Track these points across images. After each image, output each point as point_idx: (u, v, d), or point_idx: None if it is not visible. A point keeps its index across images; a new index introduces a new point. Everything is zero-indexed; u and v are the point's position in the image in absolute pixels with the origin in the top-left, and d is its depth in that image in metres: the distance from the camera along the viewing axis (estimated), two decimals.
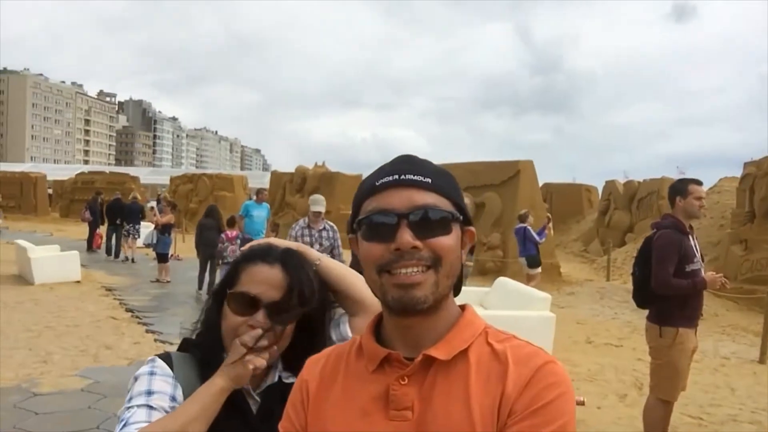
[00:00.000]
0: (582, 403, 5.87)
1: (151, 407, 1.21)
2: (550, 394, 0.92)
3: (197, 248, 12.26)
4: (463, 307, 1.07)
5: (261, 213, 11.78)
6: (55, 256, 13.19)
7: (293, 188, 23.48)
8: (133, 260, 16.89)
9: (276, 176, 25.54)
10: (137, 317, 9.56)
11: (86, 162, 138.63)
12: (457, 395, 0.95)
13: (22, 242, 13.59)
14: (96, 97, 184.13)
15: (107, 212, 18.41)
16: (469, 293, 9.48)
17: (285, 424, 1.09)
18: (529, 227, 11.50)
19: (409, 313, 0.98)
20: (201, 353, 1.34)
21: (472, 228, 1.08)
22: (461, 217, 1.04)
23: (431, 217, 0.99)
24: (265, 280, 1.30)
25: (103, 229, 19.44)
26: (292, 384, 1.26)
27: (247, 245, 1.43)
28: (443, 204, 1.01)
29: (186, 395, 1.26)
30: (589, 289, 14.05)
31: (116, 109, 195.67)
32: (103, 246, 18.87)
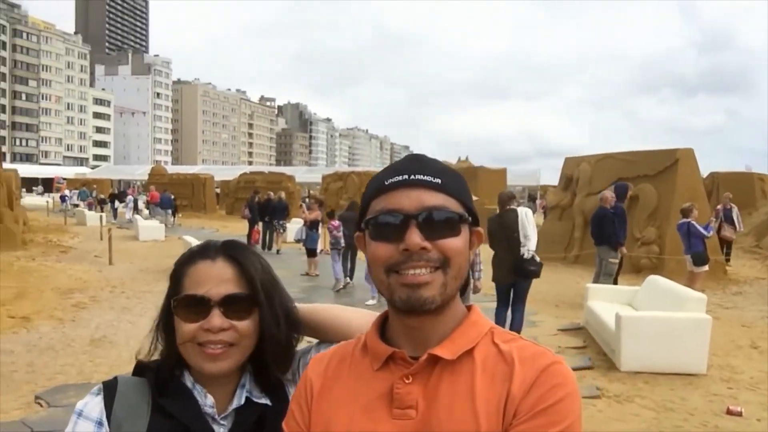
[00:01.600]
0: (739, 414, 5.35)
1: None
2: (557, 395, 0.92)
3: None
4: (469, 308, 1.07)
5: None
6: None
7: None
8: (278, 252, 18.65)
9: None
10: None
11: (250, 163, 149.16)
12: (462, 395, 0.95)
13: (187, 238, 14.90)
14: (258, 102, 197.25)
15: (260, 210, 19.87)
16: (617, 292, 8.92)
17: (289, 422, 1.09)
18: (693, 222, 10.58)
19: (416, 313, 0.99)
20: (154, 376, 1.19)
21: (480, 229, 1.08)
22: (470, 218, 1.04)
23: (440, 218, 0.99)
24: (209, 277, 1.16)
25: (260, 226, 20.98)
26: (264, 404, 1.19)
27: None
28: (452, 205, 1.01)
29: (130, 425, 1.13)
30: (759, 289, 12.69)
31: (276, 112, 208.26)
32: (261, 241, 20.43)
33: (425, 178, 1.01)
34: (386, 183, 1.02)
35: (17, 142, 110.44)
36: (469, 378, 0.97)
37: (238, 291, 1.17)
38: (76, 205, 37.47)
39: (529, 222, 7.21)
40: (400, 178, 1.01)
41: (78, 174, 67.61)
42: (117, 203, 35.55)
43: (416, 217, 0.98)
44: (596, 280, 10.23)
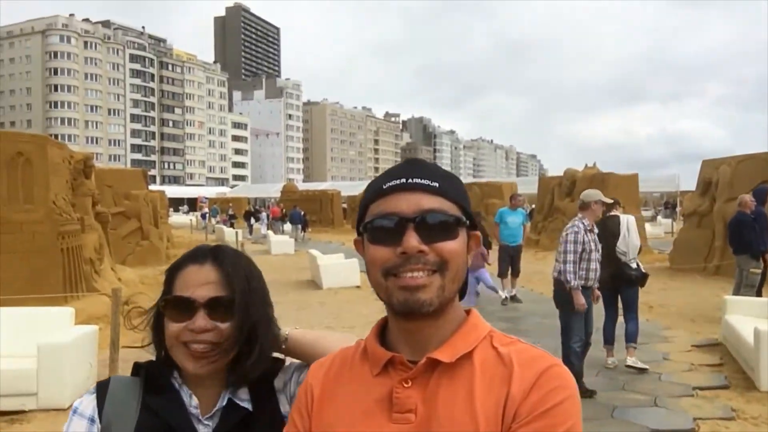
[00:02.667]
0: None
1: None
2: (556, 398, 0.92)
3: None
4: (468, 311, 1.07)
5: (516, 219, 11.60)
6: (339, 264, 14.67)
7: (562, 192, 22.77)
8: None
9: (544, 181, 25.06)
10: None
11: None
12: (461, 398, 0.95)
13: (313, 251, 15.43)
14: (383, 118, 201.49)
15: None
16: (759, 305, 8.11)
17: (290, 429, 1.10)
18: None
19: (414, 316, 0.99)
20: (144, 375, 1.24)
21: (478, 233, 1.08)
22: (467, 222, 1.04)
23: (438, 222, 0.99)
24: (197, 280, 1.20)
25: None
26: (245, 408, 1.22)
27: None
28: (450, 208, 1.01)
29: (115, 428, 1.18)
30: None
31: (400, 127, 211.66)
32: None
33: (423, 181, 1.01)
34: (384, 187, 1.03)
35: (166, 166, 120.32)
36: (468, 381, 0.96)
37: (223, 294, 1.20)
38: (218, 222, 40.21)
39: (630, 230, 6.94)
40: (397, 181, 1.02)
41: (219, 193, 72.30)
42: (252, 220, 37.72)
43: (413, 220, 0.98)
44: (737, 292, 9.39)
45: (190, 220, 42.28)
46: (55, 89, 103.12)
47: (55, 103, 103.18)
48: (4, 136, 9.30)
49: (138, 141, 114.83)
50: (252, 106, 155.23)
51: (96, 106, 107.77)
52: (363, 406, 1.00)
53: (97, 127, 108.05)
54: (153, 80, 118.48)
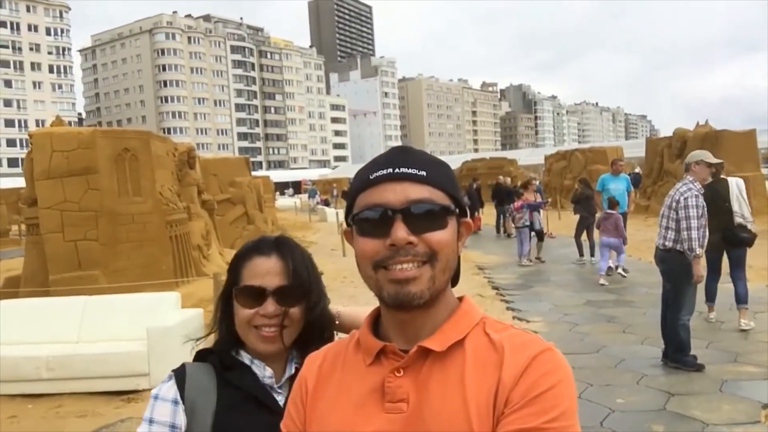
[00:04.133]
0: None
1: None
2: (548, 382, 0.91)
3: None
4: (460, 299, 1.06)
5: (619, 185, 11.03)
6: None
7: (672, 154, 21.42)
8: (509, 235, 18.51)
9: (652, 143, 23.63)
10: (501, 295, 9.98)
11: (475, 150, 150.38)
12: (453, 386, 0.94)
13: None
14: (480, 89, 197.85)
15: (492, 195, 20.02)
16: None
17: (286, 422, 1.10)
18: None
19: (405, 308, 0.98)
20: (217, 357, 1.37)
21: (468, 219, 1.06)
22: (457, 210, 1.02)
23: (426, 212, 0.98)
24: (265, 271, 1.35)
25: (483, 212, 21.25)
26: None
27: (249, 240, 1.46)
28: (438, 197, 1.00)
29: (199, 405, 1.28)
30: None
31: (498, 97, 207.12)
32: (483, 227, 20.78)
33: (410, 170, 0.99)
34: (371, 177, 1.01)
35: (270, 152, 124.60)
36: (459, 369, 0.96)
37: (288, 282, 1.35)
38: (318, 203, 41.40)
39: (742, 192, 6.88)
40: (384, 171, 1.00)
41: (321, 175, 74.19)
42: None
43: (402, 211, 0.97)
44: None
45: (295, 202, 43.64)
46: (165, 85, 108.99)
47: (166, 98, 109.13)
48: (111, 134, 9.90)
49: (243, 129, 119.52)
50: (348, 87, 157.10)
51: (203, 99, 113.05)
52: (356, 396, 1.00)
53: (205, 119, 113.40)
54: (254, 69, 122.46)
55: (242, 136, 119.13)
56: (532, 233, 13.24)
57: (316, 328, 1.39)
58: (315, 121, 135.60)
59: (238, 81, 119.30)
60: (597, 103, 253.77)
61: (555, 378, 0.91)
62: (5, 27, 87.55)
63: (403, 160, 1.01)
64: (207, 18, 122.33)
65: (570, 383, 0.93)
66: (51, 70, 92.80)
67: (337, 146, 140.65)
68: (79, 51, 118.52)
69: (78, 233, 8.89)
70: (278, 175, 77.84)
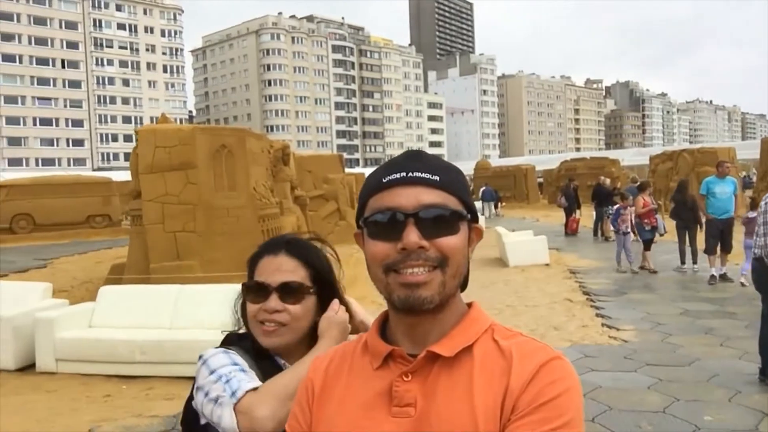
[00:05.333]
0: None
1: (245, 371, 1.33)
2: (555, 390, 0.91)
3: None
4: (470, 305, 1.06)
5: (725, 189, 10.29)
6: (526, 241, 14.32)
7: None
8: (606, 239, 17.76)
9: (767, 143, 22.00)
10: (591, 300, 9.61)
11: (577, 149, 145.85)
12: (461, 391, 0.95)
13: (499, 228, 15.21)
14: (583, 86, 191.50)
15: (592, 196, 19.35)
16: None
17: (291, 423, 1.10)
18: None
19: (414, 312, 0.99)
20: (250, 343, 1.43)
21: (479, 225, 1.07)
22: (468, 216, 1.03)
23: (438, 217, 0.98)
24: (271, 268, 1.41)
25: (581, 213, 20.55)
26: None
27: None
28: (451, 202, 1.00)
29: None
30: None
31: (603, 94, 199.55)
32: (581, 229, 20.21)
33: (423, 175, 1.00)
34: (384, 181, 1.01)
35: (367, 149, 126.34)
36: (467, 374, 0.96)
37: (293, 280, 1.39)
38: None
39: None
40: (397, 175, 1.00)
41: None
42: None
43: (413, 215, 0.97)
44: None
45: None
46: (269, 84, 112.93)
47: (270, 97, 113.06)
48: (209, 131, 10.37)
49: (342, 127, 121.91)
50: (446, 84, 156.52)
51: (304, 97, 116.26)
52: (363, 400, 1.01)
53: (306, 117, 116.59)
54: (353, 68, 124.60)
55: (341, 134, 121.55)
56: (635, 238, 12.65)
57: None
58: (412, 119, 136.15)
59: (338, 80, 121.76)
60: (711, 101, 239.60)
61: (562, 386, 0.92)
62: (124, 29, 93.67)
63: (416, 164, 1.01)
64: (310, 18, 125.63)
65: (577, 392, 0.94)
66: (165, 70, 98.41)
67: (433, 144, 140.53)
68: (191, 51, 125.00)
69: (177, 225, 9.39)
70: None
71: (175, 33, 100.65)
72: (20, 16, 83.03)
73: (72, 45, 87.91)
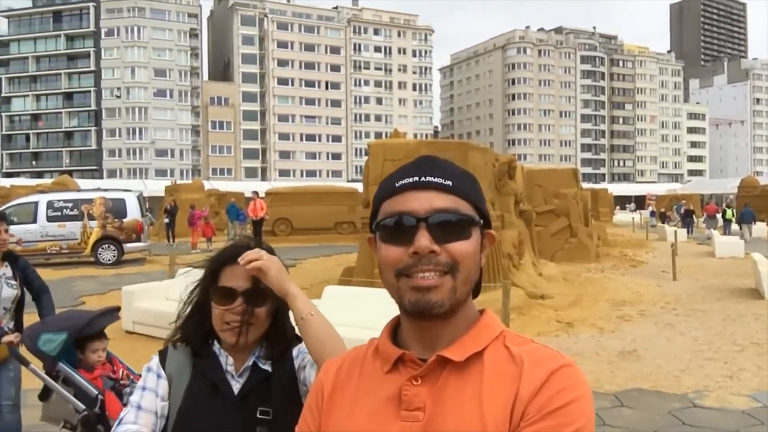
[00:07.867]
0: None
1: (140, 408, 1.49)
2: (565, 398, 0.91)
3: None
4: (482, 311, 1.06)
5: None
6: None
7: None
8: None
9: None
10: None
11: None
12: (470, 397, 0.95)
13: (755, 255, 13.35)
14: None
15: None
16: None
17: (301, 426, 1.12)
18: None
19: (425, 317, 0.99)
20: (194, 344, 1.58)
21: (492, 231, 1.04)
22: (481, 221, 1.02)
23: (450, 222, 0.98)
24: (238, 275, 1.53)
25: None
26: (265, 370, 1.55)
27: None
28: (463, 208, 1.00)
29: (176, 381, 1.52)
30: None
31: None
32: None
33: (436, 180, 1.00)
34: (396, 185, 1.02)
35: (615, 163, 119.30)
36: (477, 380, 0.96)
37: (255, 287, 1.52)
38: (664, 218, 38.33)
39: None
40: (410, 180, 1.01)
41: (669, 190, 68.45)
42: (670, 218, 34.83)
43: (426, 219, 0.97)
44: None
45: (632, 218, 41.13)
46: (513, 98, 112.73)
47: (513, 111, 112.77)
48: (433, 144, 10.83)
49: (588, 140, 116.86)
50: (711, 93, 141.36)
51: (548, 110, 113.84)
52: (372, 403, 1.01)
53: (549, 130, 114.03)
54: (603, 79, 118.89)
55: (585, 148, 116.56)
56: None
57: (279, 327, 1.59)
58: (668, 131, 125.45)
59: (586, 91, 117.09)
60: None
61: (573, 394, 0.91)
62: (380, 51, 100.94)
63: (430, 169, 1.02)
64: (558, 30, 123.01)
65: (588, 400, 0.92)
66: (414, 88, 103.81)
67: (692, 159, 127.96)
68: (439, 69, 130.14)
69: None
70: (620, 189, 74.18)
71: (425, 52, 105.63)
72: (293, 43, 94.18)
73: (335, 68, 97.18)
